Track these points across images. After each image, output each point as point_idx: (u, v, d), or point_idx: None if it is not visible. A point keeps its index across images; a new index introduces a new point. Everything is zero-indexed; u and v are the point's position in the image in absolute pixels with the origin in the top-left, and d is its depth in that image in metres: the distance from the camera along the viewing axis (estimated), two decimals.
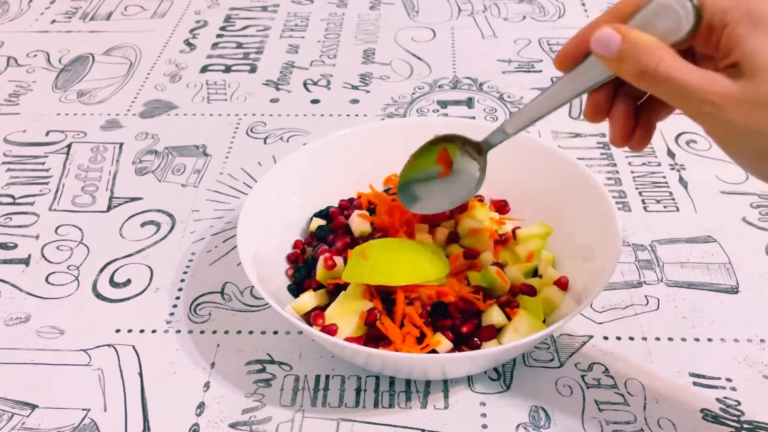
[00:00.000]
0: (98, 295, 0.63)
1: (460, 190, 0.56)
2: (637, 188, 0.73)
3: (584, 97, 0.46)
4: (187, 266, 0.66)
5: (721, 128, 0.38)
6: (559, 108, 0.48)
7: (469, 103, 0.87)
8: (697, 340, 0.58)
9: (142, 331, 0.60)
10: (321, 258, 0.58)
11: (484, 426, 0.52)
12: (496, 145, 0.54)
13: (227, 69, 0.95)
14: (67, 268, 0.66)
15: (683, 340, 0.58)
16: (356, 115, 0.85)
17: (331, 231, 0.62)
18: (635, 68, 0.39)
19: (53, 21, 1.08)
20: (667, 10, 0.40)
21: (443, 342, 0.53)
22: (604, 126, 0.47)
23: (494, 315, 0.54)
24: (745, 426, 0.51)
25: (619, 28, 0.40)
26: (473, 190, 0.56)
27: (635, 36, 0.39)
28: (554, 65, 0.46)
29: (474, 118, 0.83)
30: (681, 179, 0.74)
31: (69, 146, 0.82)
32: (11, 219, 0.72)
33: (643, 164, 0.76)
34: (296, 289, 0.59)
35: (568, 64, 0.45)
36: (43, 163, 0.79)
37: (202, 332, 0.60)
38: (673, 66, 0.38)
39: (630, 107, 0.45)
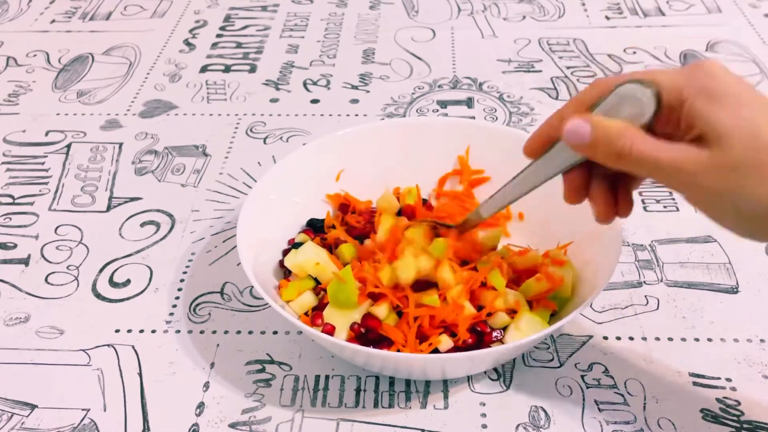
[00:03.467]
0: (98, 295, 0.63)
1: None
2: None
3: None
4: (187, 266, 0.66)
5: (700, 194, 0.40)
6: (533, 191, 0.50)
7: (468, 102, 0.87)
8: (697, 340, 0.58)
9: (141, 331, 0.60)
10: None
11: (484, 426, 0.52)
12: (472, 228, 0.57)
13: (227, 69, 0.95)
14: (67, 268, 0.66)
15: (683, 340, 0.58)
16: (356, 115, 0.85)
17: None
18: (610, 152, 0.42)
19: (53, 21, 1.08)
20: (629, 98, 0.42)
21: (444, 341, 0.52)
22: None
23: (498, 317, 0.54)
24: (745, 426, 0.51)
25: (587, 117, 0.43)
26: None
27: (604, 123, 0.42)
28: (523, 153, 0.49)
29: (474, 117, 0.83)
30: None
31: (68, 146, 0.82)
32: (11, 219, 0.72)
33: None
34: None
35: (538, 152, 0.48)
36: (42, 163, 0.79)
37: (201, 332, 0.60)
38: (645, 145, 0.41)
39: (606, 184, 0.46)
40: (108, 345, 0.59)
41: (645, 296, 0.62)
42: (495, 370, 0.56)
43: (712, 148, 0.39)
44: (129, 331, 0.60)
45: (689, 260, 0.65)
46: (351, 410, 0.53)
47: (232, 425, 0.53)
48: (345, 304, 0.54)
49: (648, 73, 0.42)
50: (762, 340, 0.58)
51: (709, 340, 0.58)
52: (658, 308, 0.61)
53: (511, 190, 0.51)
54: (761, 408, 0.53)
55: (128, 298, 0.63)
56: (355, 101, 0.88)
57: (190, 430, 0.52)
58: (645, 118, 0.41)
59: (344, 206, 0.66)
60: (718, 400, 0.53)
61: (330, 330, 0.53)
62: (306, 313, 0.56)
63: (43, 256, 0.68)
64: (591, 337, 0.58)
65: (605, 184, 0.47)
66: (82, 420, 0.53)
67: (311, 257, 0.57)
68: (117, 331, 0.60)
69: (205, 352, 0.58)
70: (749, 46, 0.95)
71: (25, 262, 0.67)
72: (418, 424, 0.52)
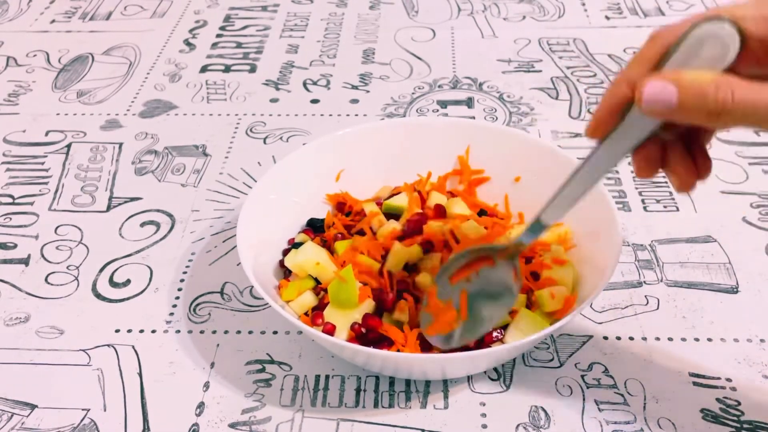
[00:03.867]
0: (98, 295, 0.63)
1: (498, 310, 0.51)
2: (637, 188, 0.73)
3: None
4: (187, 266, 0.66)
5: None
6: (604, 176, 0.44)
7: (468, 102, 0.87)
8: (697, 340, 0.58)
9: (141, 331, 0.60)
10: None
11: (484, 426, 0.52)
12: (527, 246, 0.49)
13: (227, 69, 0.95)
14: (67, 268, 0.66)
15: (683, 340, 0.58)
16: (356, 115, 0.85)
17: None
18: (709, 111, 0.36)
19: (53, 21, 1.08)
20: (707, 39, 0.36)
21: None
22: None
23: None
24: (745, 426, 0.51)
25: (667, 77, 0.37)
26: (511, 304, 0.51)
27: (692, 78, 0.36)
28: (587, 135, 0.42)
29: (474, 117, 0.83)
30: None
31: (68, 146, 0.82)
32: (11, 219, 0.72)
33: None
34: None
35: (606, 130, 0.41)
36: (42, 163, 0.79)
37: (201, 332, 0.60)
38: (748, 92, 0.35)
39: (684, 150, 0.41)
40: (108, 345, 0.59)
41: (645, 296, 0.62)
42: (495, 370, 0.56)
43: None
44: (129, 331, 0.60)
45: (689, 260, 0.65)
46: (351, 410, 0.53)
47: (232, 425, 0.53)
48: (346, 304, 0.54)
49: (721, 9, 0.36)
50: (762, 340, 0.58)
51: (709, 340, 0.58)
52: (658, 308, 0.61)
53: (579, 184, 0.44)
54: (761, 408, 0.53)
55: (128, 298, 0.63)
56: (355, 101, 0.88)
57: (190, 430, 0.52)
58: (728, 60, 0.36)
59: (341, 205, 0.66)
60: (718, 400, 0.53)
61: (330, 329, 0.53)
62: (306, 313, 0.56)
63: (43, 256, 0.68)
64: (591, 337, 0.58)
65: (681, 147, 0.41)
66: (82, 420, 0.53)
67: (311, 257, 0.57)
68: (117, 331, 0.60)
69: (205, 352, 0.58)
70: None
71: (25, 262, 0.67)
72: (418, 424, 0.52)
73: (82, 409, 0.54)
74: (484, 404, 0.54)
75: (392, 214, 0.63)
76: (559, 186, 0.45)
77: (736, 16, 0.36)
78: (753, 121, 0.36)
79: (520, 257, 0.52)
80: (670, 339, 0.58)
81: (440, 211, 0.62)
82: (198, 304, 0.62)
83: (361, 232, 0.61)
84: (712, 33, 0.36)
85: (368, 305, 0.55)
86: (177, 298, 0.63)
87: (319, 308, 0.56)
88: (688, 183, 0.42)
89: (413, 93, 0.89)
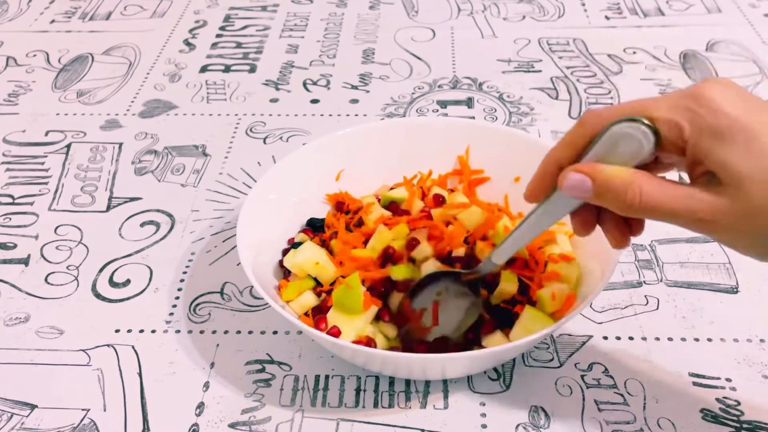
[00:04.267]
0: (98, 295, 0.63)
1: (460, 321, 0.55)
2: None
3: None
4: (187, 266, 0.66)
5: (720, 235, 0.39)
6: (543, 231, 0.49)
7: (468, 102, 0.87)
8: (696, 340, 0.58)
9: (141, 331, 0.60)
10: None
11: (484, 426, 0.52)
12: (485, 275, 0.55)
13: (227, 69, 0.95)
14: (67, 268, 0.66)
15: (683, 340, 0.58)
16: (356, 115, 0.85)
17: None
18: (619, 204, 0.40)
19: (53, 21, 1.08)
20: (624, 137, 0.40)
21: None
22: None
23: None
24: (745, 426, 0.51)
25: (584, 169, 0.41)
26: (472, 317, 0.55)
27: (605, 174, 0.40)
28: (525, 199, 0.47)
29: (474, 117, 0.83)
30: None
31: (68, 146, 0.82)
32: (11, 219, 0.72)
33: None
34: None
35: (540, 197, 0.46)
36: (42, 163, 0.79)
37: (201, 332, 0.60)
38: (656, 194, 0.39)
39: (617, 215, 0.45)
40: (108, 345, 0.59)
41: (645, 296, 0.62)
42: (495, 370, 0.56)
43: (729, 193, 0.37)
44: (129, 331, 0.60)
45: (689, 260, 0.65)
46: (351, 410, 0.53)
47: (232, 425, 0.53)
48: (350, 310, 0.54)
49: (639, 107, 0.40)
50: (762, 340, 0.58)
51: (709, 340, 0.58)
52: (658, 308, 0.61)
53: (522, 236, 0.50)
54: (761, 408, 0.53)
55: (128, 298, 0.63)
56: (355, 101, 0.88)
57: (190, 430, 0.52)
58: (644, 155, 0.40)
59: (341, 204, 0.66)
60: (718, 400, 0.53)
61: (336, 332, 0.53)
62: (306, 313, 0.56)
63: (43, 256, 0.68)
64: (591, 337, 0.58)
65: (615, 215, 0.44)
66: (82, 420, 0.53)
67: (311, 257, 0.57)
68: (117, 331, 0.60)
69: (205, 352, 0.58)
70: (749, 46, 0.95)
71: (25, 262, 0.67)
72: (418, 424, 0.52)
73: (82, 409, 0.54)
74: (484, 404, 0.54)
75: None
76: (509, 234, 0.51)
77: (651, 117, 0.39)
78: (660, 217, 0.39)
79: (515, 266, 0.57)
80: (670, 339, 0.58)
81: (439, 201, 0.63)
82: (198, 304, 0.62)
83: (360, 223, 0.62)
84: (626, 132, 0.39)
85: (372, 312, 0.55)
86: (177, 298, 0.63)
87: (320, 309, 0.56)
88: (622, 241, 0.45)
89: (413, 93, 0.89)
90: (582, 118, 0.42)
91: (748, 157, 0.36)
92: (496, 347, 0.50)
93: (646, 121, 0.39)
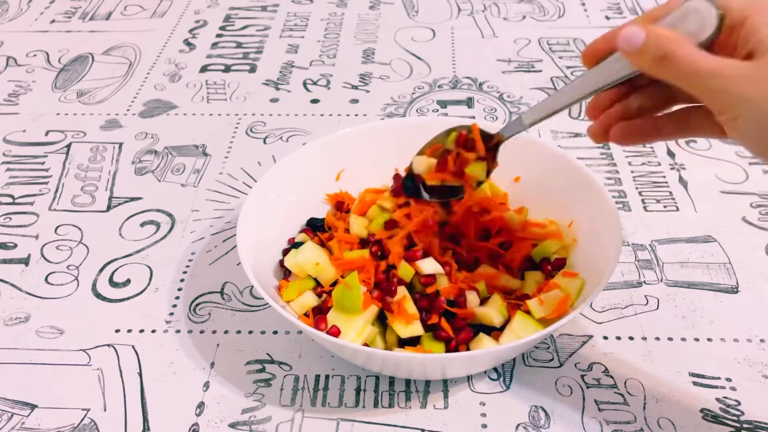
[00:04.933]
0: (98, 295, 0.63)
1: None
2: (637, 188, 0.73)
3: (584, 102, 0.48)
4: (187, 266, 0.66)
5: (727, 103, 0.40)
6: (577, 102, 0.49)
7: (468, 102, 0.87)
8: (697, 340, 0.58)
9: (141, 331, 0.60)
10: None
11: (484, 426, 0.52)
12: (509, 137, 0.56)
13: (227, 69, 0.95)
14: (67, 267, 0.66)
15: (683, 339, 0.58)
16: (356, 115, 0.85)
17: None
18: (655, 56, 0.42)
19: (53, 21, 1.08)
20: (693, 13, 0.42)
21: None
22: None
23: (493, 316, 0.54)
24: (745, 426, 0.51)
25: (644, 26, 0.43)
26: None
27: (658, 30, 0.42)
28: (581, 60, 0.49)
29: (474, 117, 0.83)
30: (681, 179, 0.74)
31: (68, 146, 0.82)
32: (11, 219, 0.72)
33: (643, 164, 0.76)
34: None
35: (594, 60, 0.47)
36: (42, 163, 0.79)
37: (201, 332, 0.60)
38: (690, 51, 0.41)
39: (623, 110, 0.48)
40: (108, 345, 0.59)
41: (645, 296, 0.62)
42: (495, 370, 0.56)
43: (756, 59, 0.39)
44: (129, 331, 0.60)
45: (689, 260, 0.65)
46: (351, 410, 0.53)
47: (232, 425, 0.53)
48: (350, 310, 0.54)
49: None
50: (762, 340, 0.58)
51: (709, 340, 0.58)
52: (658, 308, 0.61)
53: (558, 98, 0.50)
54: (761, 408, 0.53)
55: (128, 298, 0.63)
56: (355, 101, 0.88)
57: (190, 429, 0.52)
58: (704, 35, 0.42)
59: (340, 204, 0.66)
60: (718, 400, 0.53)
61: (336, 332, 0.53)
62: (306, 314, 0.56)
63: (43, 255, 0.68)
64: (591, 337, 0.58)
65: (623, 110, 0.48)
66: (82, 420, 0.53)
67: (311, 257, 0.57)
68: (117, 331, 0.60)
69: (205, 352, 0.58)
70: None
71: (25, 261, 0.67)
72: (418, 423, 0.52)
73: (82, 409, 0.54)
74: (484, 404, 0.54)
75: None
76: (546, 97, 0.52)
77: (725, 4, 0.41)
78: (683, 78, 0.41)
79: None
80: (670, 339, 0.58)
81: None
82: (198, 304, 0.62)
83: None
84: (696, 9, 0.42)
85: (372, 312, 0.55)
86: (177, 298, 0.63)
87: (320, 309, 0.56)
88: (600, 135, 0.49)
89: (413, 93, 0.89)
90: None
91: None
92: (496, 347, 0.50)
93: (716, 5, 0.41)
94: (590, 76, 0.47)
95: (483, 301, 0.56)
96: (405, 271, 0.56)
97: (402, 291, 0.55)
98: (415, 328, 0.53)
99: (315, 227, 0.64)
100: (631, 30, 0.43)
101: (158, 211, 0.72)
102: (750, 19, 0.40)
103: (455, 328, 0.54)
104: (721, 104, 0.41)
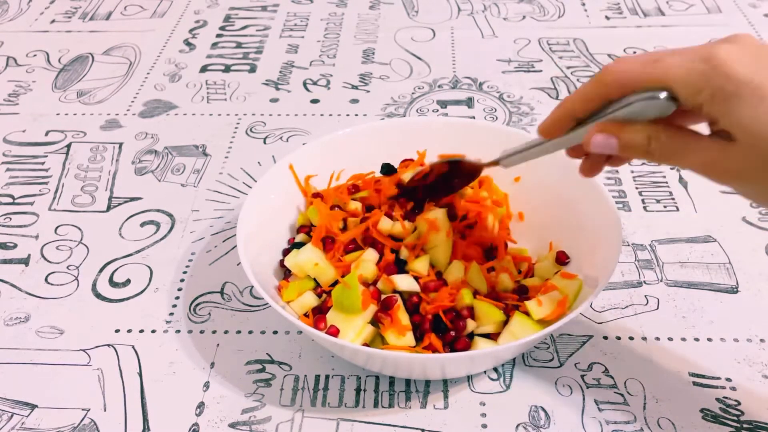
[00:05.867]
0: (98, 295, 0.63)
1: None
2: (637, 188, 0.73)
3: None
4: (187, 266, 0.66)
5: (735, 184, 0.42)
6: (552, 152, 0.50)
7: (468, 102, 0.87)
8: (696, 339, 0.58)
9: (141, 331, 0.60)
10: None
11: (484, 426, 0.52)
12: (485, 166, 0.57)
13: (227, 69, 0.95)
14: (67, 268, 0.66)
15: (683, 339, 0.58)
16: (356, 115, 0.85)
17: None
18: (641, 155, 0.43)
19: (53, 21, 1.08)
20: (645, 108, 0.42)
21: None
22: None
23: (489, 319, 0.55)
24: (744, 426, 0.51)
25: (608, 129, 0.43)
26: None
27: (629, 132, 0.43)
28: (538, 133, 0.49)
29: (474, 117, 0.83)
30: (681, 179, 0.74)
31: (68, 146, 0.82)
32: (11, 219, 0.72)
33: (643, 164, 0.76)
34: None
35: (554, 135, 0.48)
36: (42, 163, 0.79)
37: (201, 332, 0.60)
38: (675, 145, 0.42)
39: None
40: (108, 345, 0.59)
41: (645, 296, 0.62)
42: (495, 370, 0.56)
43: (744, 149, 0.39)
44: (129, 331, 0.60)
45: (689, 260, 0.65)
46: (351, 410, 0.54)
47: (232, 425, 0.53)
48: (349, 310, 0.54)
49: (655, 72, 0.41)
50: (762, 340, 0.58)
51: (709, 340, 0.58)
52: (658, 308, 0.61)
53: (533, 153, 0.51)
54: (761, 408, 0.53)
55: (128, 298, 0.63)
56: (355, 101, 0.88)
57: (190, 430, 0.52)
58: (663, 116, 0.42)
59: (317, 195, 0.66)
60: (718, 400, 0.53)
61: (335, 332, 0.53)
62: (306, 314, 0.56)
63: (43, 256, 0.68)
64: (591, 337, 0.58)
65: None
66: (82, 420, 0.53)
67: (311, 258, 0.57)
68: (117, 331, 0.60)
69: (205, 352, 0.58)
70: None
71: (25, 262, 0.67)
72: (418, 423, 0.52)
73: (82, 409, 0.54)
74: (484, 404, 0.54)
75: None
76: (520, 146, 0.52)
77: (670, 88, 0.40)
78: (680, 165, 0.43)
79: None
80: (670, 339, 0.58)
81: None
82: (198, 304, 0.62)
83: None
84: (648, 105, 0.41)
85: (371, 311, 0.55)
86: (177, 298, 0.63)
87: (320, 310, 0.56)
88: (588, 172, 0.51)
89: (413, 93, 0.89)
90: (600, 76, 0.43)
91: (760, 116, 0.38)
92: (496, 348, 0.50)
93: (664, 95, 0.41)
94: (559, 143, 0.48)
95: (472, 314, 0.55)
96: (384, 285, 0.56)
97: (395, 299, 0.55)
98: (408, 340, 0.53)
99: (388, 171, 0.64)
100: (600, 140, 0.44)
101: (158, 211, 0.72)
102: (707, 107, 0.40)
103: (449, 342, 0.54)
104: (724, 183, 0.42)
